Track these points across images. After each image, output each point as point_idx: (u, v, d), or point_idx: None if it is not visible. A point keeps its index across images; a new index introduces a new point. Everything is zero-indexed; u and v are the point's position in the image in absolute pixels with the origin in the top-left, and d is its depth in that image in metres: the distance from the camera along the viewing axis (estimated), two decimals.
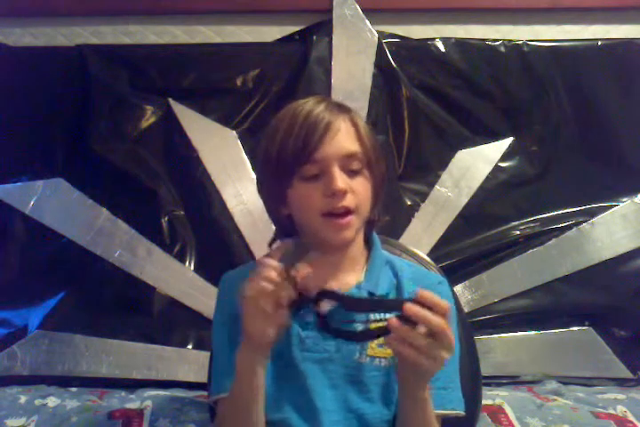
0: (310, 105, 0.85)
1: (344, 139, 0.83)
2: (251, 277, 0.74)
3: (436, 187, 1.69)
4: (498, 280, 1.66)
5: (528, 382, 1.60)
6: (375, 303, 0.79)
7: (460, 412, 0.86)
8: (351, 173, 0.83)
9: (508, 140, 1.71)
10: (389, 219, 1.63)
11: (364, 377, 0.85)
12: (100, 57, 1.68)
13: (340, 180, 0.81)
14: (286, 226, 0.90)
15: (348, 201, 0.81)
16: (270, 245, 0.94)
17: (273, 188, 0.87)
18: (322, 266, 0.87)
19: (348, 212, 0.82)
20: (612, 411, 1.39)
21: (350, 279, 0.87)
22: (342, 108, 0.87)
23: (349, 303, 0.75)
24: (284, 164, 0.83)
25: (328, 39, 1.67)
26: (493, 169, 1.69)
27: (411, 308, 0.66)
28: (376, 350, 0.85)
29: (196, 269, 1.66)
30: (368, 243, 0.93)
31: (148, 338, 1.62)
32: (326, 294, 0.74)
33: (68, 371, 1.58)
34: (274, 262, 0.74)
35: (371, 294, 0.87)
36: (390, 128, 1.69)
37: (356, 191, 0.82)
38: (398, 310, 0.66)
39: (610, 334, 1.65)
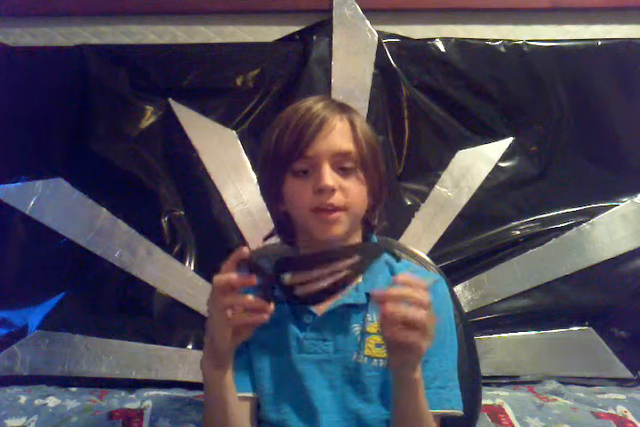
0: (310, 103, 0.86)
1: (338, 137, 0.83)
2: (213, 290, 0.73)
3: (436, 187, 1.69)
4: (498, 280, 1.66)
5: (528, 382, 1.60)
6: (328, 254, 0.74)
7: (459, 411, 0.86)
8: (343, 173, 0.83)
9: (508, 140, 1.70)
10: (390, 219, 1.63)
11: (363, 377, 0.85)
12: (100, 57, 1.68)
13: (329, 177, 0.81)
14: (284, 223, 0.91)
15: (337, 199, 0.81)
16: (265, 239, 0.95)
17: (269, 183, 0.88)
18: None
19: (336, 209, 0.82)
20: (612, 411, 1.39)
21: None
22: (342, 108, 0.87)
23: (306, 262, 0.73)
24: (278, 159, 0.84)
25: (328, 39, 1.67)
26: (493, 169, 1.69)
27: (390, 291, 0.68)
28: (373, 350, 0.85)
29: (196, 270, 1.65)
30: None
31: (148, 338, 1.61)
32: (282, 264, 0.72)
33: (68, 371, 1.58)
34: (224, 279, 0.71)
35: (368, 295, 0.87)
36: (390, 128, 1.69)
37: (347, 190, 0.83)
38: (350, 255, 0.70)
39: (610, 334, 1.65)
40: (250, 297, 0.71)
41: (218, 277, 0.72)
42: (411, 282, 0.69)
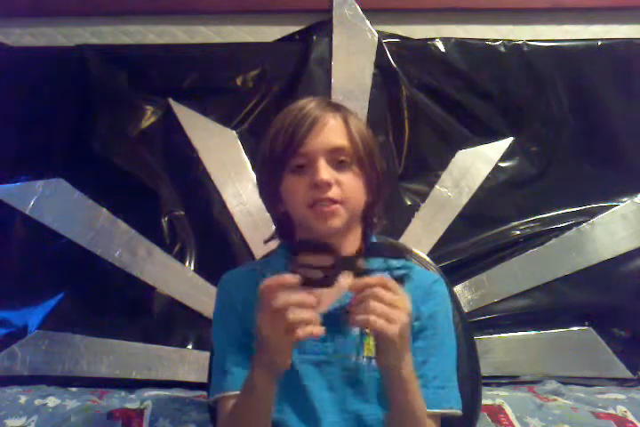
0: (303, 103, 0.87)
1: (331, 133, 0.84)
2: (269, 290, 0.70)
3: (436, 187, 1.69)
4: (498, 280, 1.66)
5: (528, 382, 1.60)
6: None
7: (458, 411, 0.86)
8: (339, 168, 0.84)
9: (508, 140, 1.71)
10: (389, 219, 1.63)
11: (362, 378, 0.85)
12: (100, 57, 1.68)
13: (325, 172, 0.82)
14: (284, 223, 0.91)
15: (333, 193, 0.82)
16: (267, 242, 0.95)
17: (268, 184, 0.89)
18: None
19: (334, 202, 0.82)
20: (612, 411, 1.39)
21: (346, 280, 0.87)
22: (335, 107, 0.89)
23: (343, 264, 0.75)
24: (274, 158, 0.85)
25: (328, 39, 1.67)
26: (493, 169, 1.69)
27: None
28: (372, 351, 0.85)
29: (196, 270, 1.65)
30: (366, 244, 0.93)
31: (148, 338, 1.62)
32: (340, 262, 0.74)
33: (68, 371, 1.58)
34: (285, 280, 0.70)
35: None
36: (390, 128, 1.69)
37: (343, 184, 0.83)
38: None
39: (610, 334, 1.65)
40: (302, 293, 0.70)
41: (266, 282, 0.70)
42: (363, 285, 0.71)
